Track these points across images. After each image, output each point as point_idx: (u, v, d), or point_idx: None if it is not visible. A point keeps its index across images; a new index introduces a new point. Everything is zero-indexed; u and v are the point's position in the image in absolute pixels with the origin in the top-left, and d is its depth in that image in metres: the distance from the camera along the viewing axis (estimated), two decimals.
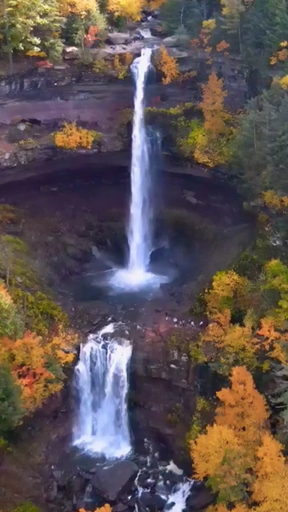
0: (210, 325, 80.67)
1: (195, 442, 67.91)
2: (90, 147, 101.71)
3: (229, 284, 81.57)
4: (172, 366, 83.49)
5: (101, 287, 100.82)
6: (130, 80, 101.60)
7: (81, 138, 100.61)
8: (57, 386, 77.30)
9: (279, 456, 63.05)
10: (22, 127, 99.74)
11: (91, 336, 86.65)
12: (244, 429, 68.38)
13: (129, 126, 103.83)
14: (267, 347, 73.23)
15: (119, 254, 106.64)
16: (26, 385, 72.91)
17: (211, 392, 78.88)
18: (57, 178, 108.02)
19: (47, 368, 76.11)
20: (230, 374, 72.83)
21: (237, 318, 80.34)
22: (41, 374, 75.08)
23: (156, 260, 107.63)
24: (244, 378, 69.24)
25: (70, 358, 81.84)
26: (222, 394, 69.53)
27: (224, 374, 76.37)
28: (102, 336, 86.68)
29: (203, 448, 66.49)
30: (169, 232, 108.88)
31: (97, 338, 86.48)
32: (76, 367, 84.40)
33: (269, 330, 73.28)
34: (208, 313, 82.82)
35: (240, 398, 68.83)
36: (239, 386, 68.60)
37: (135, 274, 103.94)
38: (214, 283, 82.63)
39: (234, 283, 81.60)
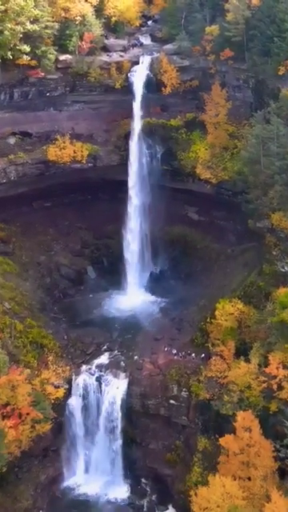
0: (213, 359, 74.25)
1: (195, 494, 61.70)
2: (84, 161, 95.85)
3: (233, 313, 75.60)
4: (171, 401, 77.28)
5: (96, 311, 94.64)
6: (127, 90, 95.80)
7: (75, 152, 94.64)
8: (45, 427, 71.28)
9: None
10: (11, 140, 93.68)
11: (84, 367, 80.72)
12: (249, 479, 62.00)
13: (126, 138, 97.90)
14: (275, 387, 66.69)
15: (116, 275, 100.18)
16: (10, 427, 66.96)
17: (214, 431, 73.31)
18: (50, 193, 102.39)
19: (34, 407, 70.09)
20: (234, 414, 66.89)
21: (242, 351, 74.19)
22: (27, 414, 69.14)
23: (155, 281, 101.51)
24: (250, 424, 62.91)
25: (61, 393, 75.81)
26: (226, 441, 63.41)
27: (227, 413, 70.00)
28: (96, 367, 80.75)
29: (204, 501, 60.69)
30: (169, 251, 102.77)
31: (90, 369, 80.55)
32: (67, 401, 78.06)
33: (277, 368, 66.75)
34: (210, 344, 76.63)
35: (245, 445, 62.34)
36: (244, 433, 62.11)
37: (133, 297, 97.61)
38: (216, 312, 76.63)
39: (239, 313, 75.53)
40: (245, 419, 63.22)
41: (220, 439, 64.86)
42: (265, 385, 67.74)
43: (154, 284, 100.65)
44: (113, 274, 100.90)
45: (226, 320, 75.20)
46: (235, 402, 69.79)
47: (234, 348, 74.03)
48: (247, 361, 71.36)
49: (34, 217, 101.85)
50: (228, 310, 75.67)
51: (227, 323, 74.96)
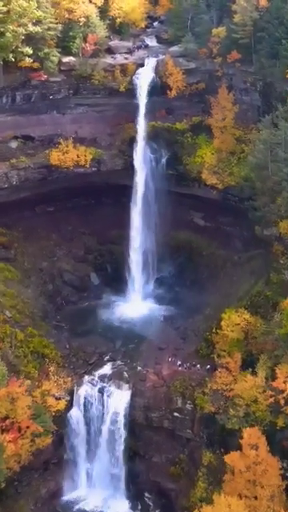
0: (218, 371, 71.97)
1: None
2: (88, 166, 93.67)
3: (239, 324, 73.21)
4: (175, 414, 75.05)
5: (99, 319, 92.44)
6: (132, 92, 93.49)
7: (78, 156, 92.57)
8: (45, 440, 69.37)
9: None
10: (13, 144, 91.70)
11: (86, 378, 78.53)
12: (256, 498, 59.75)
13: (131, 142, 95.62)
14: (282, 401, 64.45)
15: (120, 281, 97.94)
16: (9, 441, 65.05)
17: (219, 445, 71.10)
18: (53, 197, 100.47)
19: (34, 420, 68.08)
20: (240, 429, 64.70)
21: (248, 363, 71.88)
22: (27, 428, 67.25)
23: (160, 288, 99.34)
24: (256, 441, 60.66)
25: (62, 405, 73.76)
26: (231, 458, 61.18)
27: (233, 427, 67.81)
28: (99, 378, 78.54)
29: None
30: (174, 257, 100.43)
31: (93, 380, 78.34)
32: (69, 413, 75.93)
33: (284, 382, 64.56)
34: (216, 356, 74.36)
35: (252, 463, 60.10)
36: (251, 451, 59.87)
37: (137, 304, 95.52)
38: (222, 322, 74.33)
39: (245, 323, 73.18)
40: (251, 436, 61.01)
41: (225, 457, 62.64)
42: (272, 399, 65.47)
43: (159, 291, 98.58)
44: (116, 280, 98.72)
45: (232, 331, 72.96)
46: (241, 416, 67.50)
47: (241, 360, 71.76)
48: (254, 374, 69.08)
49: (37, 222, 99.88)
50: (234, 321, 73.40)
51: (233, 334, 72.74)
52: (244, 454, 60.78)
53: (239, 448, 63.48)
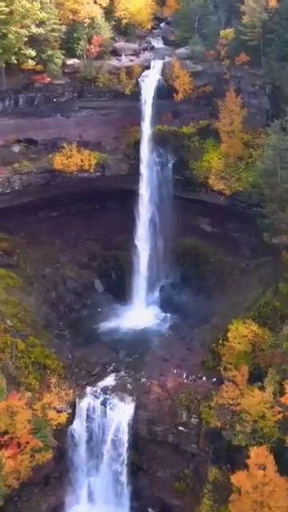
0: (225, 384, 69.57)
1: None
2: (92, 170, 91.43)
3: (246, 336, 70.89)
4: (180, 428, 72.84)
5: (103, 327, 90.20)
6: (137, 95, 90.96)
7: (82, 161, 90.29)
8: (45, 455, 67.18)
9: None
10: (16, 148, 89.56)
11: (89, 389, 76.30)
12: None
13: (136, 146, 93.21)
14: None
15: (124, 288, 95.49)
16: (8, 457, 62.84)
17: (225, 460, 69.28)
18: (57, 202, 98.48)
19: (35, 434, 65.85)
20: (247, 445, 62.31)
21: (256, 376, 69.58)
22: (26, 443, 65.10)
23: (165, 295, 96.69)
24: (264, 461, 58.31)
25: (63, 418, 71.47)
26: (238, 478, 58.94)
27: (240, 444, 65.51)
28: (102, 390, 76.21)
29: None
30: (180, 263, 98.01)
31: (95, 392, 76.06)
32: (71, 426, 73.87)
33: None
34: (222, 368, 72.02)
35: (259, 484, 57.74)
36: (258, 471, 57.49)
37: (142, 312, 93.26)
38: (229, 334, 72.04)
39: (253, 335, 70.88)
40: (258, 455, 58.71)
41: (232, 476, 60.36)
42: (280, 415, 63.26)
43: (165, 299, 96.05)
44: (121, 287, 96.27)
45: (239, 343, 70.71)
46: (248, 432, 65.24)
47: (248, 373, 69.40)
48: (261, 388, 66.76)
49: (40, 227, 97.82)
50: (241, 332, 71.12)
51: (240, 346, 70.46)
52: (251, 473, 58.52)
53: (246, 464, 61.29)
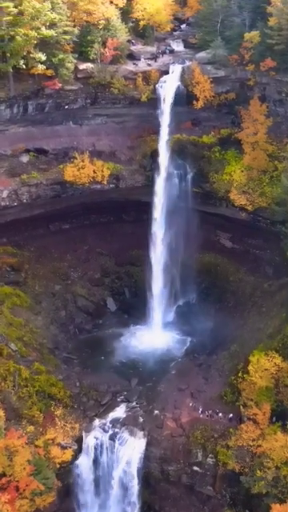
0: (244, 424, 63.47)
1: None
2: (105, 182, 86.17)
3: (269, 369, 64.73)
4: (195, 468, 67.35)
5: (114, 351, 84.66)
6: (155, 102, 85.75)
7: (95, 172, 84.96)
8: (47, 499, 61.51)
9: None
10: (24, 158, 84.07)
11: (97, 422, 70.83)
12: None
13: (153, 156, 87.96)
14: None
15: (138, 307, 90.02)
16: (5, 502, 57.14)
17: (243, 506, 64.02)
18: (69, 214, 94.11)
19: (35, 476, 60.27)
20: (268, 493, 56.50)
21: (278, 414, 64.24)
22: (26, 486, 59.35)
23: (182, 316, 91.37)
24: None
25: (68, 455, 66.34)
26: None
27: (260, 491, 59.48)
28: (111, 423, 70.77)
29: None
30: (198, 282, 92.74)
31: (104, 425, 70.60)
32: (76, 462, 68.26)
33: None
34: (242, 405, 65.93)
35: None
36: None
37: (157, 334, 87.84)
38: (250, 367, 66.02)
39: (276, 369, 64.90)
40: None
41: None
42: None
43: (181, 319, 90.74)
44: (135, 306, 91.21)
45: (261, 377, 64.74)
46: (269, 480, 59.09)
47: (270, 411, 63.29)
48: (284, 429, 60.67)
49: (50, 240, 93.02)
50: (263, 365, 65.24)
51: (262, 382, 64.50)
52: None
53: None
